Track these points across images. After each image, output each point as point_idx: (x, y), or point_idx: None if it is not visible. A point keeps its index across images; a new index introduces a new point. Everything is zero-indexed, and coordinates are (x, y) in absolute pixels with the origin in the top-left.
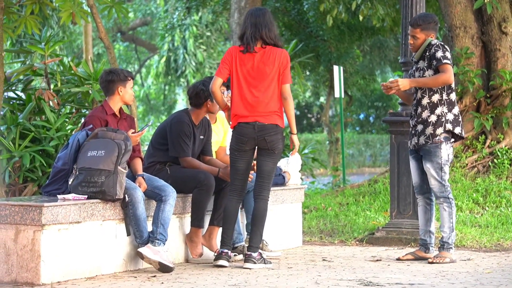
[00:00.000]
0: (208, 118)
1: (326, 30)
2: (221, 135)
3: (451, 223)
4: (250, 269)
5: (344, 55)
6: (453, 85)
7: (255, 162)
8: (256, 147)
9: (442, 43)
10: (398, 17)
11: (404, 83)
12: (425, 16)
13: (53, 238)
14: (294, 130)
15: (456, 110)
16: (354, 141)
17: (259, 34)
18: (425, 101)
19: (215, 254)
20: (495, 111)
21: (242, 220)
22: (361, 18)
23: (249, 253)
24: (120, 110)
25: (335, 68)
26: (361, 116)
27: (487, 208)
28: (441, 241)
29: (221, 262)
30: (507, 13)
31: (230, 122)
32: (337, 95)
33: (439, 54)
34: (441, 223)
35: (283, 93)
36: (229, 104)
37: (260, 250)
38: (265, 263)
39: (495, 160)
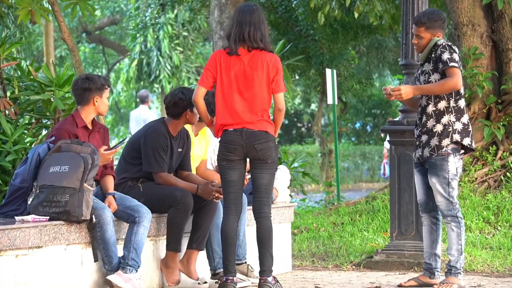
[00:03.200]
0: (186, 129)
1: (318, 29)
2: (204, 148)
3: (460, 245)
4: None
5: (338, 56)
6: (461, 91)
7: (247, 174)
8: (248, 160)
9: (450, 44)
10: (398, 14)
11: (407, 92)
12: (431, 13)
13: (10, 266)
14: (276, 134)
15: (465, 118)
16: (349, 153)
17: (244, 34)
18: (430, 108)
19: (219, 282)
20: (507, 119)
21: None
22: (356, 15)
23: (263, 277)
24: (93, 121)
25: (328, 71)
26: (357, 125)
27: (499, 228)
28: (448, 265)
29: None
30: None
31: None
32: (330, 101)
33: (446, 56)
34: (449, 245)
35: (278, 104)
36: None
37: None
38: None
39: (507, 174)
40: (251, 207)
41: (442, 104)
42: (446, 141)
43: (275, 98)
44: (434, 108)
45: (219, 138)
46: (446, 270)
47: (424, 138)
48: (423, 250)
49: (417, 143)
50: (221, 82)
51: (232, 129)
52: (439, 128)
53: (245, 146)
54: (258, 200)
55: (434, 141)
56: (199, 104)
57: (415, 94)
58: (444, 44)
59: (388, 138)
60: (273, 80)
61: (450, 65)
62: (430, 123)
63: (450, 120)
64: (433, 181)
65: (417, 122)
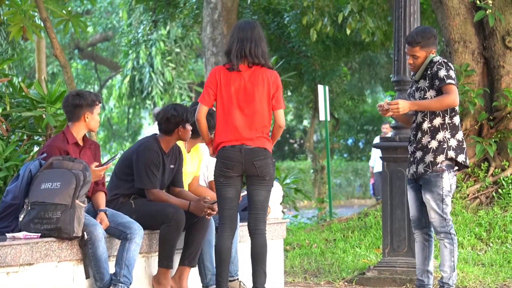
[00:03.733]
0: (178, 145)
1: (310, 45)
2: (197, 165)
3: (453, 262)
4: None
5: (330, 73)
6: (457, 108)
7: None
8: (245, 176)
9: (446, 61)
10: (390, 31)
11: (404, 106)
12: (423, 31)
13: (1, 283)
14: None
15: (459, 135)
16: (341, 169)
17: (245, 50)
18: (425, 125)
19: None
20: (499, 135)
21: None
22: (348, 32)
23: None
24: (84, 137)
25: (320, 87)
26: (350, 141)
27: (491, 245)
28: (441, 281)
29: None
30: (511, 26)
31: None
32: (322, 118)
33: (442, 73)
34: (441, 262)
35: (279, 121)
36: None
37: None
38: None
39: (499, 190)
40: (243, 223)
41: (437, 121)
42: (441, 158)
43: (275, 114)
44: (430, 125)
45: (216, 154)
46: (438, 286)
47: (419, 154)
48: (415, 267)
49: (411, 159)
50: (221, 98)
51: (230, 146)
52: (434, 144)
53: (244, 163)
54: (254, 216)
55: (429, 157)
56: (202, 123)
57: (412, 109)
58: (440, 61)
59: (372, 156)
60: (274, 97)
61: (447, 82)
62: (425, 139)
63: (445, 137)
64: (427, 198)
65: (411, 139)
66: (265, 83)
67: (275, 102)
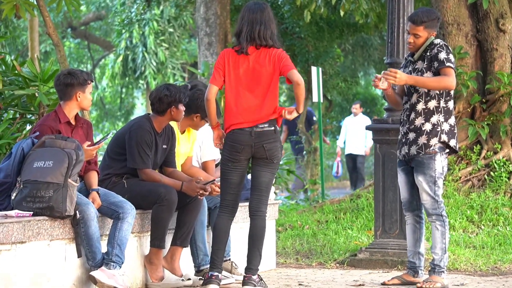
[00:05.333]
0: (171, 125)
1: (303, 26)
2: (190, 146)
3: (444, 244)
4: None
5: (324, 54)
6: (452, 92)
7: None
8: (252, 158)
9: (446, 44)
10: (383, 13)
11: (402, 77)
12: (428, 11)
13: None
14: (300, 110)
15: (452, 120)
16: (334, 151)
17: (255, 33)
18: (420, 106)
19: (203, 278)
20: (491, 118)
21: (208, 239)
22: (342, 13)
23: (248, 275)
24: (76, 116)
25: (313, 69)
26: (342, 123)
27: (482, 227)
28: (432, 263)
29: (211, 286)
30: (505, 8)
31: (218, 144)
32: (315, 99)
33: (443, 55)
34: (433, 244)
35: (295, 79)
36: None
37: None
38: (266, 286)
39: (491, 173)
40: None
41: (432, 104)
42: (434, 140)
43: (289, 76)
44: (424, 107)
45: (226, 137)
46: (429, 268)
47: (412, 135)
48: (406, 249)
49: (403, 140)
50: (230, 80)
51: (239, 129)
52: (428, 127)
53: (253, 145)
54: (257, 198)
55: (422, 140)
56: (211, 103)
57: (408, 82)
58: (441, 43)
59: (342, 137)
60: (280, 67)
61: (446, 64)
62: (419, 121)
63: (439, 120)
64: (420, 180)
65: (403, 119)
66: (271, 62)
67: (283, 67)
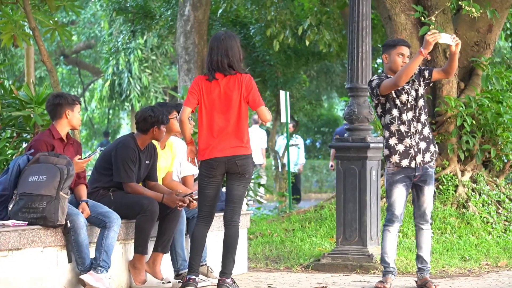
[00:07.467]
0: (153, 143)
1: (273, 54)
2: (169, 160)
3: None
4: None
5: (291, 80)
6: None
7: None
8: (226, 173)
9: None
10: (344, 43)
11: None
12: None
13: None
14: None
15: None
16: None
17: (214, 64)
18: (423, 117)
19: (182, 281)
20: (440, 138)
21: (186, 246)
22: (307, 43)
23: (222, 278)
24: (67, 135)
25: (282, 93)
26: (308, 141)
27: (432, 235)
28: (426, 266)
29: None
30: None
31: (190, 158)
32: (283, 120)
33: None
34: (427, 248)
35: (262, 118)
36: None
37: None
38: None
39: (440, 187)
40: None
41: (425, 115)
42: (435, 148)
43: (258, 113)
44: (426, 117)
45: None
46: (423, 271)
47: (423, 145)
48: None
49: (415, 149)
50: (204, 104)
51: (212, 158)
52: (430, 136)
53: (227, 162)
54: (231, 209)
55: (433, 148)
56: (185, 123)
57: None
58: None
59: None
60: (248, 99)
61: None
62: (426, 130)
63: (430, 131)
64: (430, 190)
65: (410, 132)
66: (238, 88)
67: (252, 102)
